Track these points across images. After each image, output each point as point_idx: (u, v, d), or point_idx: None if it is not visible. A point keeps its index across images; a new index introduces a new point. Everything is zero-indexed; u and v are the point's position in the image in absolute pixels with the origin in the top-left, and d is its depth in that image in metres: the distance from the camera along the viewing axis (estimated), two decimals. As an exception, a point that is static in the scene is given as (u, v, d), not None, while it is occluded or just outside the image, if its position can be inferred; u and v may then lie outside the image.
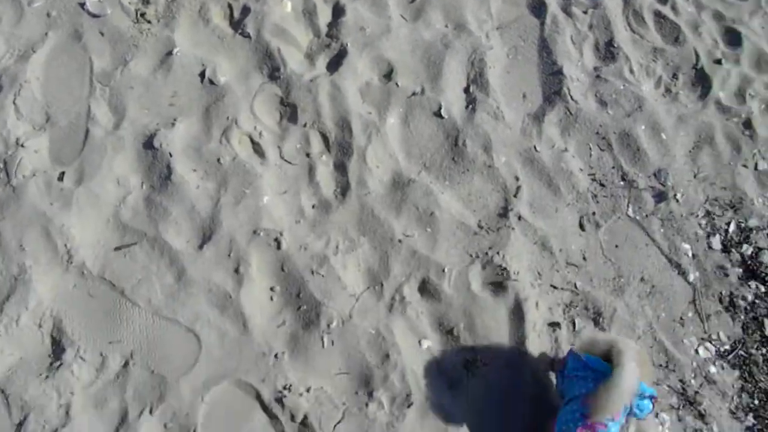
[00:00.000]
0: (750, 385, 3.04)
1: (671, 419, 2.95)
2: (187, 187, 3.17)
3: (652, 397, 2.56)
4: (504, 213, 3.21)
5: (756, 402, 3.01)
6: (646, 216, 3.29)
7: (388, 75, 3.46)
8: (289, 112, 3.35)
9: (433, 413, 2.85)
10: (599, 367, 2.52)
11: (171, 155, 3.21)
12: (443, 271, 3.05)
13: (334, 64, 3.48)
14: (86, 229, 3.10)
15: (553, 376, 2.84)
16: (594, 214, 3.26)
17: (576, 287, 3.11)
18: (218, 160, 3.23)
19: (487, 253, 3.11)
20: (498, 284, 3.06)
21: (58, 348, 2.93)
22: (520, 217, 3.19)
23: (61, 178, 3.20)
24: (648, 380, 2.58)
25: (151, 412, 2.83)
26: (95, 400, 2.84)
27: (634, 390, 2.45)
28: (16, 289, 2.97)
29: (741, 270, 3.23)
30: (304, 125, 3.32)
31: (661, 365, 3.03)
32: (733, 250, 3.26)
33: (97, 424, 2.81)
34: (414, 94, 3.39)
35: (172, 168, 3.19)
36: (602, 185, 3.33)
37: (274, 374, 2.89)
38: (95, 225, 3.12)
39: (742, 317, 3.15)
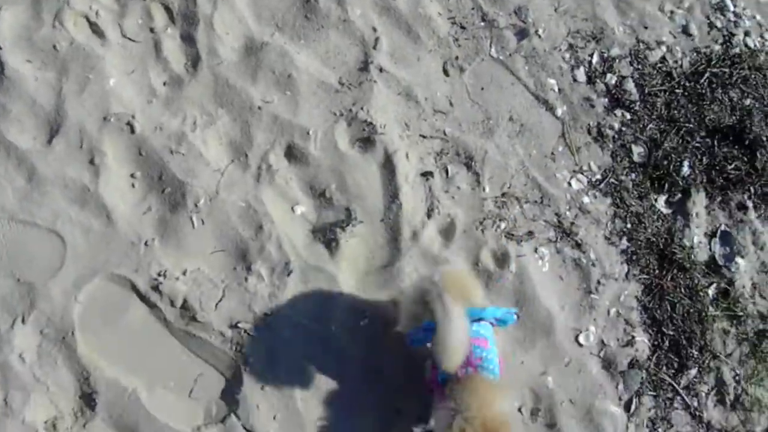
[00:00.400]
0: (622, 211, 3.11)
1: (550, 252, 3.01)
2: (24, 81, 2.92)
3: (510, 313, 2.52)
4: (364, 67, 3.09)
5: (629, 226, 3.09)
6: (510, 55, 3.22)
7: (229, -65, 3.20)
8: (135, -15, 3.09)
9: (314, 278, 2.83)
10: (430, 326, 2.33)
11: (0, 48, 2.94)
12: (308, 133, 2.95)
13: (167, -70, 3.19)
14: None
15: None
16: (457, 58, 3.18)
17: (445, 134, 3.07)
18: (54, 46, 2.97)
19: (351, 110, 3.02)
20: (365, 140, 2.99)
21: None
22: (381, 69, 3.08)
23: None
24: (478, 295, 2.51)
25: (23, 321, 2.72)
26: (-40, 317, 2.71)
27: (464, 332, 2.25)
28: None
29: (606, 100, 3.24)
30: (144, -2, 3.07)
31: (536, 201, 3.06)
32: (598, 80, 3.26)
33: (-33, 342, 2.69)
34: (256, -49, 3.17)
35: (3, 62, 2.93)
36: (463, 28, 3.23)
37: (146, 262, 2.79)
38: (-75, 132, 2.87)
39: (611, 146, 3.19)
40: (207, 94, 2.97)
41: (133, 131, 2.90)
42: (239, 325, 2.76)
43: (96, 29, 3.03)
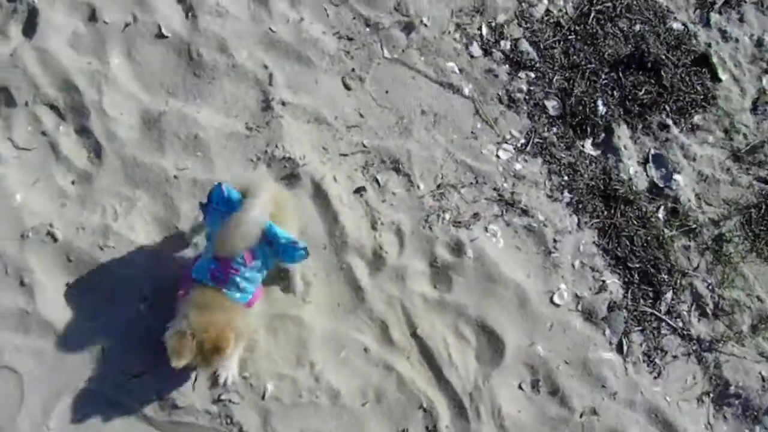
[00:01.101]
0: (555, 166, 3.15)
1: (500, 227, 3.02)
2: (-73, 223, 2.79)
3: (297, 245, 2.46)
4: (266, 105, 3.05)
5: (566, 178, 3.13)
6: (403, 51, 3.23)
7: (92, 16, 3.11)
8: (3, 98, 2.98)
9: (281, 326, 2.77)
10: (237, 202, 2.37)
11: None
12: (231, 187, 2.89)
13: (30, 28, 3.08)
14: None
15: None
16: (353, 70, 3.17)
17: (365, 146, 3.05)
18: (-54, 181, 2.85)
19: (266, 151, 2.98)
20: (290, 176, 2.95)
21: None
22: (284, 103, 3.05)
23: None
24: (292, 227, 2.51)
25: (5, 468, 2.58)
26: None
27: (255, 225, 2.32)
28: None
29: (507, 66, 3.28)
30: (26, 104, 2.96)
31: (471, 183, 3.07)
32: (494, 50, 3.29)
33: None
34: (127, 25, 3.09)
35: None
36: (350, 39, 3.22)
37: (108, 368, 2.69)
38: None
39: (525, 108, 3.22)
40: (119, 180, 2.89)
41: (55, 240, 2.80)
42: (222, 397, 2.68)
43: (-14, 150, 2.91)
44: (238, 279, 2.41)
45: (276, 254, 2.47)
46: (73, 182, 2.90)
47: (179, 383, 2.68)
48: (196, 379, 2.69)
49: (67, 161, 2.92)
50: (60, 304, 2.75)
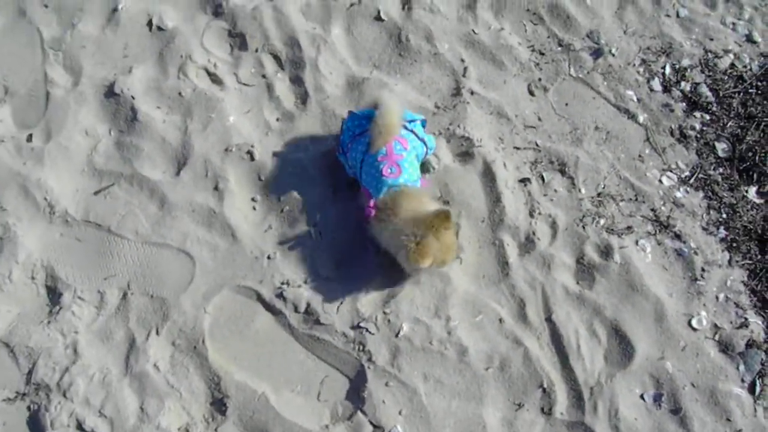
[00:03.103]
0: (715, 202, 3.22)
1: (651, 244, 3.11)
2: (154, 124, 3.28)
3: (422, 122, 2.99)
4: (457, 92, 3.38)
5: (724, 216, 3.20)
6: (588, 73, 3.49)
7: (325, -6, 3.64)
8: (238, 42, 3.50)
9: (427, 278, 2.96)
10: (372, 112, 2.89)
11: (133, 98, 3.33)
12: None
13: (272, -8, 3.64)
14: (62, 180, 3.19)
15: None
16: (540, 79, 3.45)
17: (537, 145, 3.29)
18: (179, 93, 3.35)
19: (449, 128, 3.28)
20: (465, 153, 3.22)
21: (54, 295, 2.99)
22: (472, 92, 3.37)
23: (29, 139, 3.28)
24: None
25: (157, 332, 2.90)
26: (100, 334, 2.90)
27: (397, 110, 2.86)
28: (3, 248, 3.03)
29: (684, 104, 3.45)
30: (255, 50, 3.47)
31: (631, 199, 3.20)
32: (673, 88, 3.48)
33: (107, 355, 2.87)
34: (352, 5, 3.57)
35: (136, 109, 3.30)
36: (542, 53, 3.53)
37: (270, 274, 2.99)
38: (71, 175, 3.21)
39: (695, 144, 3.35)
40: (316, 124, 3.28)
41: (252, 159, 3.19)
42: (361, 325, 2.88)
43: (215, 78, 3.41)
44: (406, 164, 2.75)
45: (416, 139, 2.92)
46: (278, 119, 3.32)
47: (328, 301, 2.92)
48: (342, 303, 2.92)
49: (277, 101, 3.36)
50: (243, 212, 3.11)
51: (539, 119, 3.36)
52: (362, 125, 2.90)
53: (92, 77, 3.41)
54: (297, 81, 3.41)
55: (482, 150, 3.21)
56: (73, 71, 3.45)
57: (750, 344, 2.96)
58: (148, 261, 3.04)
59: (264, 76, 3.43)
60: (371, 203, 2.82)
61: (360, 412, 2.78)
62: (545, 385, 2.83)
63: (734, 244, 3.13)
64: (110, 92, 3.36)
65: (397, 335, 2.88)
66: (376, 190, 2.82)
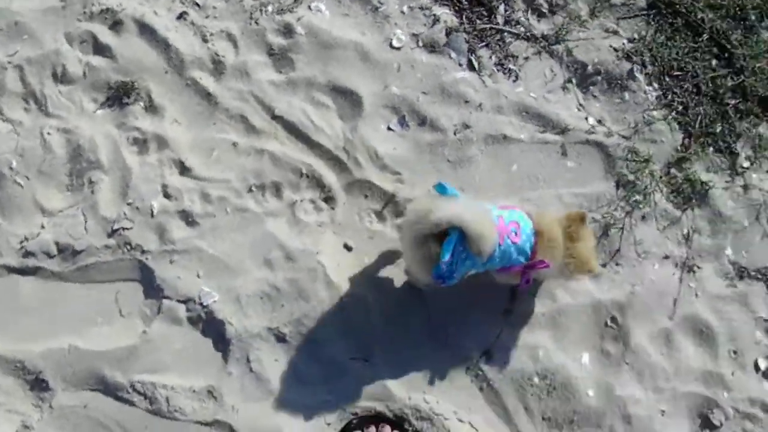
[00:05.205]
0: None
1: (324, 2, 3.13)
2: None
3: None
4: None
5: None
6: None
7: None
8: None
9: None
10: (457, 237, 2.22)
11: None
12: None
13: None
14: None
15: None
16: None
17: (175, -22, 3.17)
18: None
19: (84, 12, 3.10)
20: (114, 24, 3.07)
21: None
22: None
23: None
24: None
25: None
26: None
27: (488, 222, 2.27)
28: None
29: None
30: None
31: (285, -23, 3.18)
32: None
33: None
34: None
35: None
36: None
37: (4, 239, 2.79)
38: None
39: None
40: None
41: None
42: (115, 228, 2.79)
43: None
44: (516, 218, 2.46)
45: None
46: None
47: (73, 230, 2.78)
48: (87, 222, 2.79)
49: None
50: None
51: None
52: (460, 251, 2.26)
53: None
54: None
55: (127, 12, 3.07)
56: None
57: (449, 32, 3.11)
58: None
59: None
60: (522, 271, 2.48)
61: (165, 299, 2.74)
62: (304, 171, 2.87)
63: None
64: None
65: (152, 215, 2.81)
66: (520, 254, 2.43)
